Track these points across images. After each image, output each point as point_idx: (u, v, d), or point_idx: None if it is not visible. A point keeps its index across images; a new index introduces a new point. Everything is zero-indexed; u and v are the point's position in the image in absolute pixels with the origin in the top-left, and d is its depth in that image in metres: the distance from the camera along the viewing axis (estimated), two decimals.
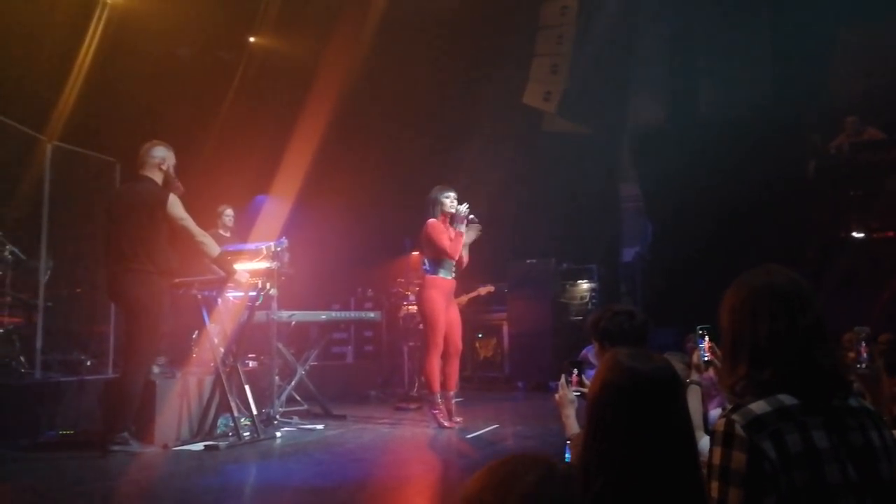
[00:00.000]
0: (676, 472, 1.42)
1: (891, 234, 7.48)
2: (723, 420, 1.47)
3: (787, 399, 1.46)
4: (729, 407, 2.06)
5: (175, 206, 4.75)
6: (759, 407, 1.45)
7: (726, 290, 1.66)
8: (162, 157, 4.88)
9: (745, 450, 1.40)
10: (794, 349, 1.52)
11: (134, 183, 4.95)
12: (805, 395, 1.47)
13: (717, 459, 1.44)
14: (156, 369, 5.21)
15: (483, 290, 8.39)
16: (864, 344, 3.28)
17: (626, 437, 1.42)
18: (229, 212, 7.17)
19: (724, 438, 1.44)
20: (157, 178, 4.86)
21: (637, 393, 1.45)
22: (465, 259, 5.91)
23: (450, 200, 5.81)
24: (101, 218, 5.26)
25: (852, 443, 1.43)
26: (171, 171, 4.91)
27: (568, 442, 2.64)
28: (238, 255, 5.48)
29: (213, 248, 4.89)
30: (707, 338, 2.54)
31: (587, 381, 3.06)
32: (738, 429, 1.42)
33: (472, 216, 5.81)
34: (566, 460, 2.50)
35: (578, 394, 2.89)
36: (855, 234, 7.55)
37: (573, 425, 2.74)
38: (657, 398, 1.46)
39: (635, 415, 1.44)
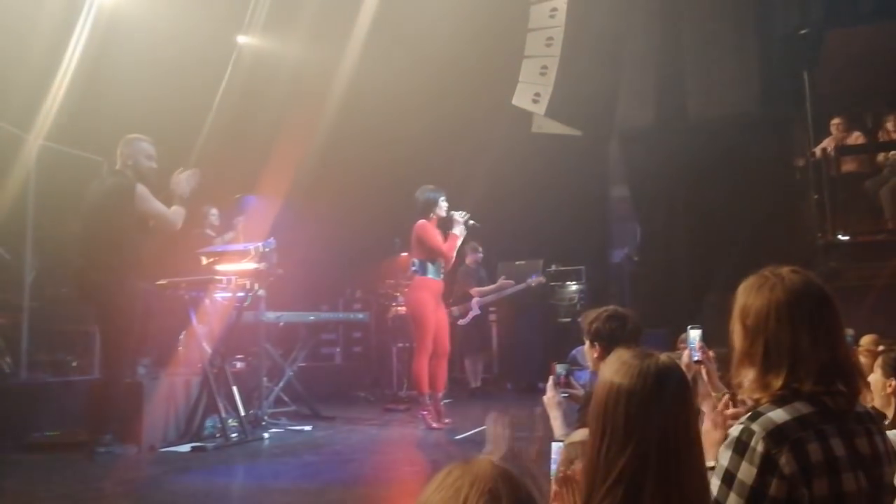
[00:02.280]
0: (687, 476, 1.32)
1: (876, 237, 7.53)
2: (740, 427, 1.42)
3: (802, 407, 1.42)
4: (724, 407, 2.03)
5: (142, 198, 4.65)
6: (778, 416, 1.41)
7: (727, 294, 1.59)
8: (128, 153, 4.75)
9: (756, 464, 1.36)
10: (831, 354, 1.46)
11: (103, 179, 4.87)
12: (830, 403, 1.43)
13: (725, 461, 1.41)
14: (141, 370, 5.18)
15: (534, 282, 7.99)
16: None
17: (639, 443, 1.31)
18: (214, 212, 7.18)
19: (736, 445, 1.40)
20: (128, 172, 4.74)
21: (649, 395, 1.34)
22: (452, 260, 5.91)
23: (446, 204, 5.82)
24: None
25: (860, 449, 1.42)
26: (142, 166, 4.77)
27: (553, 444, 2.64)
28: (225, 255, 5.46)
29: (176, 221, 4.78)
30: (698, 339, 2.56)
31: (575, 383, 3.08)
32: (756, 441, 1.38)
33: (472, 222, 5.81)
34: (552, 463, 2.50)
35: (566, 395, 2.91)
36: (840, 237, 7.59)
37: (560, 427, 2.75)
38: (670, 399, 1.35)
39: (647, 418, 1.33)
